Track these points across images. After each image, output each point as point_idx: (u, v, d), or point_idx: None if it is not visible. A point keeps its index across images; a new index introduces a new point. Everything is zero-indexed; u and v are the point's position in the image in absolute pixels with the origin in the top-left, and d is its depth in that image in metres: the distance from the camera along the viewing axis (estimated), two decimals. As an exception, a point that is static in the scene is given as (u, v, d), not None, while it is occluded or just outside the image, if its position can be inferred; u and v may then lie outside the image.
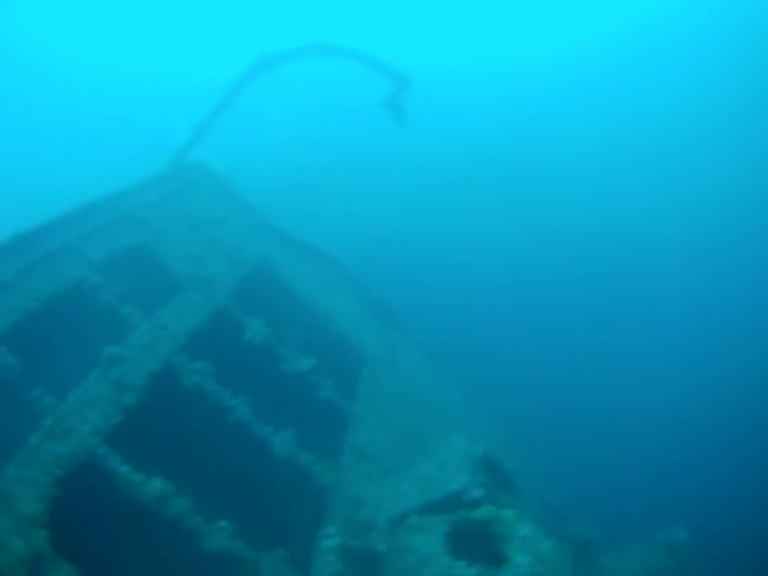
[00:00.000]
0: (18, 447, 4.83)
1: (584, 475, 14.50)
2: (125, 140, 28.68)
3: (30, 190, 25.95)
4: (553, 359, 19.19)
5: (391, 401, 9.05)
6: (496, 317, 19.87)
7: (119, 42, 35.85)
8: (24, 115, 32.40)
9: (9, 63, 33.19)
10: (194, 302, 7.57)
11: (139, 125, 29.32)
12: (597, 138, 26.36)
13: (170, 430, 6.58)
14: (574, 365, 19.29)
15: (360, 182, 23.99)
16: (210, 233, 9.02)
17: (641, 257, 23.17)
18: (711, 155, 25.04)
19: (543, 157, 25.63)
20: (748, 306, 21.29)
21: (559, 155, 25.86)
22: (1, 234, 6.34)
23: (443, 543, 5.83)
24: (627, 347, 20.43)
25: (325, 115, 28.11)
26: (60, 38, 35.40)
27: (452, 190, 23.90)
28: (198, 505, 5.61)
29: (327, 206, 22.09)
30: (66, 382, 5.76)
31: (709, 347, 20.26)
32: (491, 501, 6.44)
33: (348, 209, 22.27)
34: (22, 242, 6.51)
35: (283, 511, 7.09)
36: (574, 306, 21.30)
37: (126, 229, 7.73)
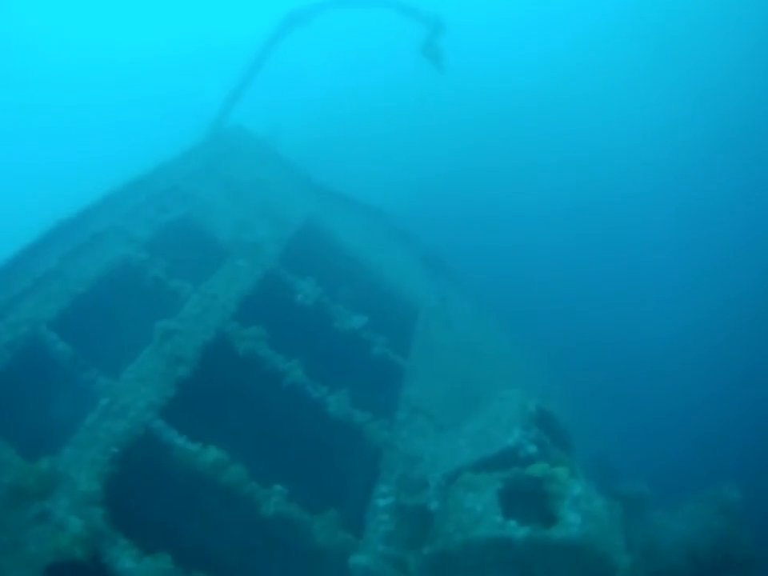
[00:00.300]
0: (76, 430, 5.07)
1: (638, 428, 14.22)
2: (164, 114, 28.54)
3: (70, 172, 26.42)
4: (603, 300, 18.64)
5: (444, 354, 8.98)
6: (543, 256, 19.36)
7: (141, 15, 35.43)
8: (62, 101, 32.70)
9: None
10: (242, 268, 7.63)
11: (176, 96, 29.05)
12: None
13: (225, 398, 6.77)
14: (627, 308, 18.71)
15: (402, 131, 23.28)
16: (254, 196, 9.02)
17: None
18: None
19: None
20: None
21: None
22: (46, 221, 6.51)
23: (496, 501, 5.82)
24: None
25: (362, 65, 27.28)
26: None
27: (493, 132, 22.96)
28: (254, 470, 5.79)
29: (371, 156, 21.61)
30: (121, 362, 5.97)
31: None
32: (545, 457, 6.38)
33: (392, 158, 21.74)
34: (67, 227, 6.69)
35: (339, 471, 7.24)
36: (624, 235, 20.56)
37: (170, 202, 7.81)
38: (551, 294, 17.72)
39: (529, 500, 6.00)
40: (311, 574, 5.88)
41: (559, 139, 23.23)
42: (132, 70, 32.71)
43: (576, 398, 12.66)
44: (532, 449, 6.34)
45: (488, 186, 21.01)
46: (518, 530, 5.40)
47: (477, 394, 8.83)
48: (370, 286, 9.43)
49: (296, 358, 6.92)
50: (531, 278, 17.88)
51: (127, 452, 5.14)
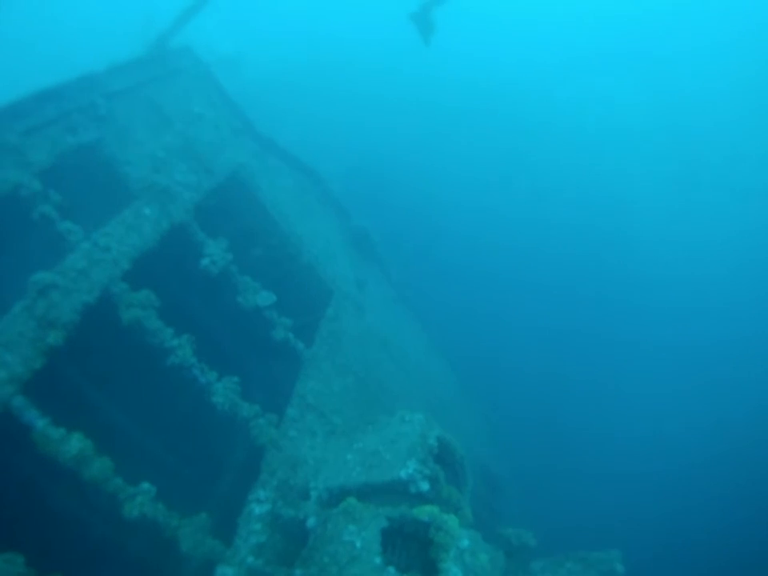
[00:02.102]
0: None
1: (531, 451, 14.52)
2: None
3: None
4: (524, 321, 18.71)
5: (351, 346, 8.50)
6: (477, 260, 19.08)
7: None
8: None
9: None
10: (147, 218, 6.65)
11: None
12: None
13: (100, 375, 5.96)
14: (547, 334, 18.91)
15: (365, 93, 21.72)
16: (182, 133, 7.93)
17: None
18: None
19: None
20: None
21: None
22: None
23: (378, 540, 5.51)
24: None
25: (345, 15, 25.13)
26: None
27: (460, 120, 22.05)
28: (124, 463, 5.15)
29: (327, 113, 19.99)
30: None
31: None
32: (436, 494, 6.11)
33: (348, 120, 20.27)
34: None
35: (217, 467, 6.67)
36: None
37: (82, 122, 6.64)
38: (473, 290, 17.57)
39: (412, 542, 5.75)
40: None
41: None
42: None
43: (480, 410, 12.72)
44: (424, 486, 6.04)
45: (439, 171, 20.25)
46: (395, 580, 5.13)
47: (377, 395, 8.48)
48: (287, 257, 8.70)
49: (187, 334, 6.20)
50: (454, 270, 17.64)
51: None
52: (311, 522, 6.11)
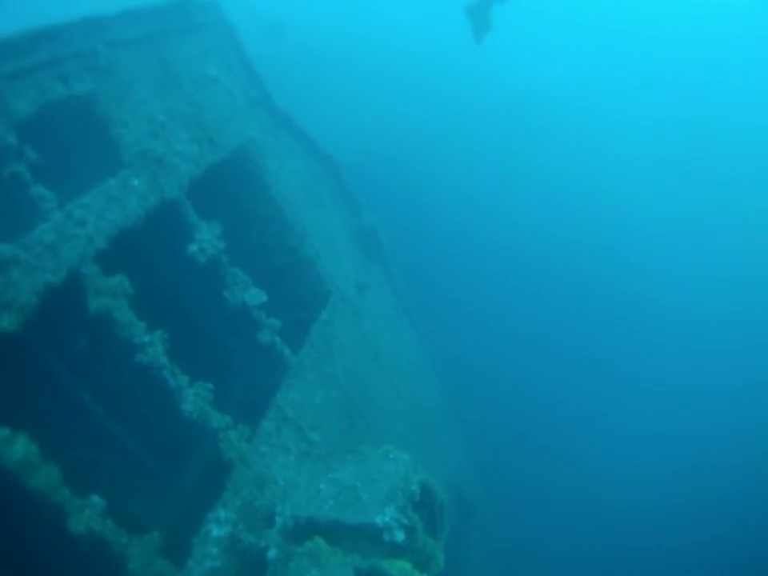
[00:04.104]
0: None
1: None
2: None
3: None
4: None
5: (342, 354, 7.89)
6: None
7: None
8: None
9: None
10: (135, 190, 5.89)
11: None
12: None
13: (58, 369, 5.28)
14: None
15: (399, 78, 20.44)
16: (190, 96, 7.13)
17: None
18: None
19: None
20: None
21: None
22: None
23: (341, 595, 4.93)
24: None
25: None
26: None
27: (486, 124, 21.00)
28: (70, 472, 4.52)
29: (356, 93, 18.66)
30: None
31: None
32: (411, 544, 5.53)
33: (373, 103, 19.06)
34: None
35: (176, 480, 6.04)
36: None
37: (76, 71, 5.85)
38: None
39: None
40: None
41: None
42: None
43: (463, 428, 12.21)
44: (399, 536, 5.46)
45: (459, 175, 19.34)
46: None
47: (361, 410, 7.89)
48: (286, 248, 8.01)
49: (161, 329, 5.52)
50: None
51: None
52: (272, 554, 5.53)
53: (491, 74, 20.98)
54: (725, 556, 15.29)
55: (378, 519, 5.42)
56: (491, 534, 12.68)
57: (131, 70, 6.50)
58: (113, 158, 6.00)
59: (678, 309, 20.67)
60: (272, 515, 5.92)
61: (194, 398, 5.58)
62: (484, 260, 18.34)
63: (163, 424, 5.75)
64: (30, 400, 5.14)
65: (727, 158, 23.47)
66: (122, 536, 4.64)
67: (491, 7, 7.32)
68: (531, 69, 23.11)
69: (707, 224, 22.38)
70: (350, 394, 7.75)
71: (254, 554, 5.63)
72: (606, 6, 27.48)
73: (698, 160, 23.39)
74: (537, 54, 23.96)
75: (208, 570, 5.26)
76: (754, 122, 23.80)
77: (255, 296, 6.80)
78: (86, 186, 5.59)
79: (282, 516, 5.87)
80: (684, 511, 17.09)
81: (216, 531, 5.48)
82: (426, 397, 10.82)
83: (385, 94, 19.44)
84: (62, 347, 5.48)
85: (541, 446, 16.70)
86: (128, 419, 6.44)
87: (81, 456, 5.83)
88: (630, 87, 24.40)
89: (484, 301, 17.61)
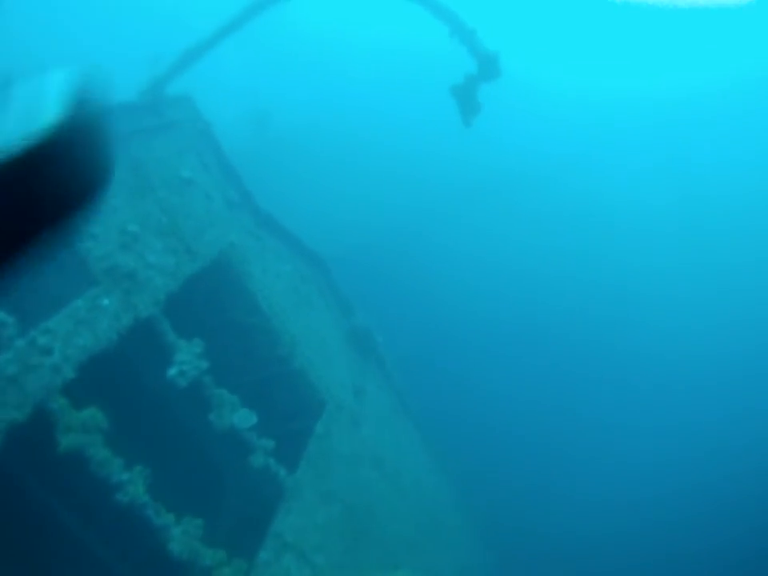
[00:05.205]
0: None
1: None
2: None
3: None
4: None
5: (341, 467, 7.16)
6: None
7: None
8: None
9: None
10: (105, 310, 5.22)
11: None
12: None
13: (24, 517, 4.46)
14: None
15: (380, 171, 20.37)
16: (165, 201, 6.54)
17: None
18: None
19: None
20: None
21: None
22: None
23: None
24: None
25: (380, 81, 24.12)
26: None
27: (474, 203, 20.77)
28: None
29: (339, 185, 18.37)
30: None
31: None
32: None
33: (358, 193, 18.77)
34: None
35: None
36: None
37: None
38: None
39: None
40: None
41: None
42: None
43: (475, 528, 11.38)
44: None
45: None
46: None
47: (365, 525, 7.15)
48: (276, 359, 7.28)
49: (141, 465, 4.77)
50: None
51: None
52: None
53: (480, 155, 21.01)
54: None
55: None
56: None
57: None
58: (80, 273, 5.32)
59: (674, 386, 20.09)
60: None
61: (182, 536, 4.80)
62: (483, 341, 17.69)
63: (153, 562, 4.91)
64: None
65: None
66: None
67: (477, 85, 6.90)
68: (520, 145, 23.21)
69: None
70: (353, 507, 7.05)
71: None
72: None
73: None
74: (526, 129, 24.14)
75: None
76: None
77: (244, 418, 6.09)
78: (51, 308, 4.91)
79: None
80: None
81: None
82: (433, 495, 10.17)
83: (371, 183, 19.23)
84: (31, 494, 4.67)
85: (554, 525, 15.65)
86: (115, 558, 5.61)
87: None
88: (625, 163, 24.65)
89: (487, 383, 16.83)
